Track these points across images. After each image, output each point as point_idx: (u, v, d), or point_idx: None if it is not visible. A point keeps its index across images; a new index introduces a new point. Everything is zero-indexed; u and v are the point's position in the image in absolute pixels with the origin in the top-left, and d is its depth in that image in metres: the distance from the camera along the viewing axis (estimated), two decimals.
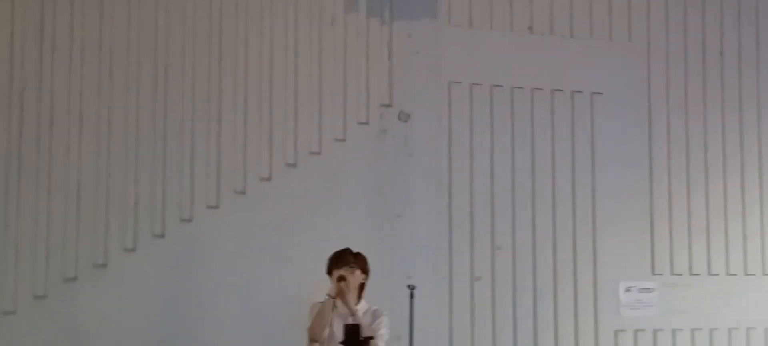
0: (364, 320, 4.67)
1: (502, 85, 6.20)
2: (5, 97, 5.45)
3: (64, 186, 5.47)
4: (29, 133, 5.45)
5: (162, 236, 5.58)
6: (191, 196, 5.64)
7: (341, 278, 4.67)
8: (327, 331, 4.65)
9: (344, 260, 4.74)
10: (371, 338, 4.58)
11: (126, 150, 5.58)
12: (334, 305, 4.66)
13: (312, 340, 4.71)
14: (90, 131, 5.54)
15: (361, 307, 4.78)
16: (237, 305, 5.61)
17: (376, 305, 4.87)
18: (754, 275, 6.53)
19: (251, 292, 5.62)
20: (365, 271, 4.81)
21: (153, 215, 5.57)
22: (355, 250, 4.89)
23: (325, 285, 4.75)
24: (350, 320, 4.62)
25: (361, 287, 4.81)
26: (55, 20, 5.53)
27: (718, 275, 6.48)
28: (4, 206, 5.38)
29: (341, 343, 4.56)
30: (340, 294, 4.66)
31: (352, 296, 4.73)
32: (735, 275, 6.51)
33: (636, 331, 6.34)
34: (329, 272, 4.78)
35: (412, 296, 4.78)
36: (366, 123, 5.95)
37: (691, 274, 6.45)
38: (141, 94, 5.62)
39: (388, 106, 6.01)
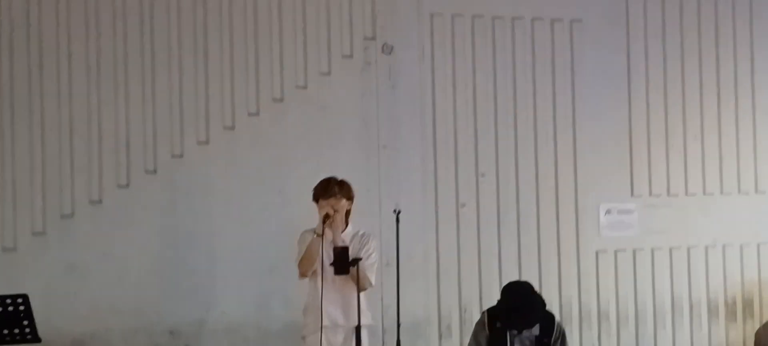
0: (352, 244, 4.79)
1: (483, 15, 6.28)
2: None
3: (57, 125, 5.55)
4: (20, 75, 5.50)
5: (154, 171, 5.69)
6: (181, 131, 5.73)
7: (327, 216, 4.75)
8: (317, 263, 4.75)
9: (330, 191, 4.82)
10: (359, 259, 4.70)
11: (115, 88, 5.65)
12: (323, 235, 4.76)
13: (302, 275, 4.85)
14: (79, 70, 5.59)
15: (349, 231, 4.89)
16: (230, 235, 5.74)
17: (363, 229, 4.99)
18: (730, 194, 6.70)
19: (244, 223, 5.76)
20: (350, 198, 4.90)
21: (145, 151, 5.67)
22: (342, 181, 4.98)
23: (314, 214, 4.88)
24: (340, 243, 4.74)
25: (347, 212, 4.93)
26: None
27: (695, 195, 6.65)
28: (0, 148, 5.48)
29: (331, 265, 4.70)
30: (327, 223, 4.77)
31: (339, 224, 4.84)
32: (712, 194, 6.67)
33: (616, 251, 6.53)
34: (316, 200, 4.88)
35: (397, 220, 4.90)
36: (350, 56, 6.03)
37: (669, 195, 6.61)
38: (128, 32, 5.67)
39: (372, 39, 6.08)
